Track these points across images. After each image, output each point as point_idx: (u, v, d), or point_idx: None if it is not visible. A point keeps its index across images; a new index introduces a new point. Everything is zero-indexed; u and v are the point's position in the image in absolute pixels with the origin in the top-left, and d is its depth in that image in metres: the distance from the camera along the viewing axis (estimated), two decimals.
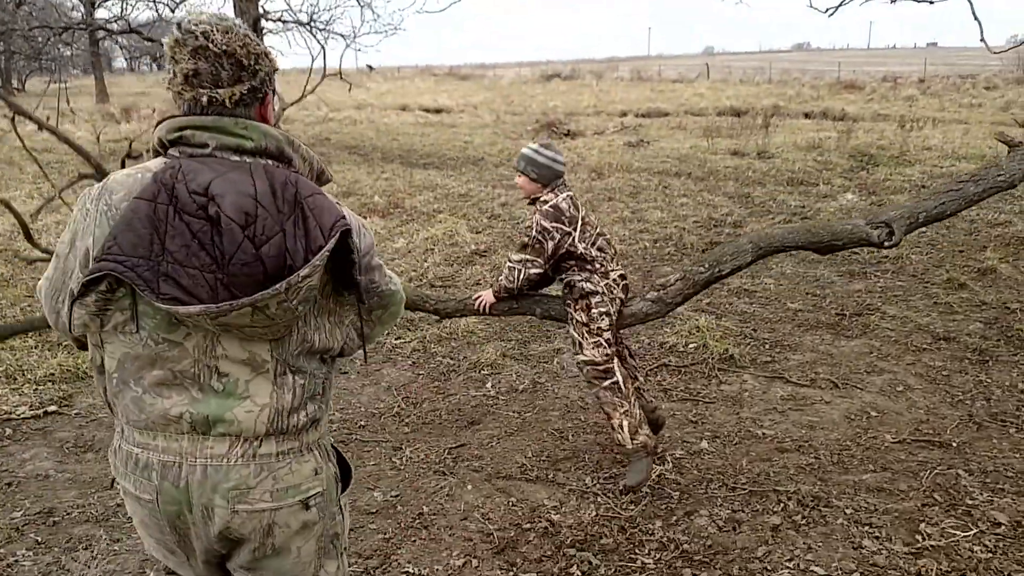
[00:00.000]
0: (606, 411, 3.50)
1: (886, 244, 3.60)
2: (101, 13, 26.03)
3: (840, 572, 2.89)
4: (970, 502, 3.31)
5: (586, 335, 3.46)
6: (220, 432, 1.52)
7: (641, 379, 3.79)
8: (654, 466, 3.61)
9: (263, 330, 1.46)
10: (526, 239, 3.40)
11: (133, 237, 1.40)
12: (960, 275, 6.36)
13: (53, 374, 4.65)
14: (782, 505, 3.34)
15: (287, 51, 49.03)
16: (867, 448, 3.81)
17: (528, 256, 3.39)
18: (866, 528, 3.16)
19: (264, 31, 15.81)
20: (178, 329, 1.47)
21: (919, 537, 3.08)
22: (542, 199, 3.42)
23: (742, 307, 5.86)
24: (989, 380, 4.53)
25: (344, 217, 1.52)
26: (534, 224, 3.38)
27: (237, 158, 1.49)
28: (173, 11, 17.03)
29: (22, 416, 4.16)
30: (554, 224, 3.35)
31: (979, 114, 20.26)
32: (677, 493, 3.47)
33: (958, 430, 3.96)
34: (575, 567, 2.97)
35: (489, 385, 4.66)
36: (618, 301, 3.50)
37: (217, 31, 1.47)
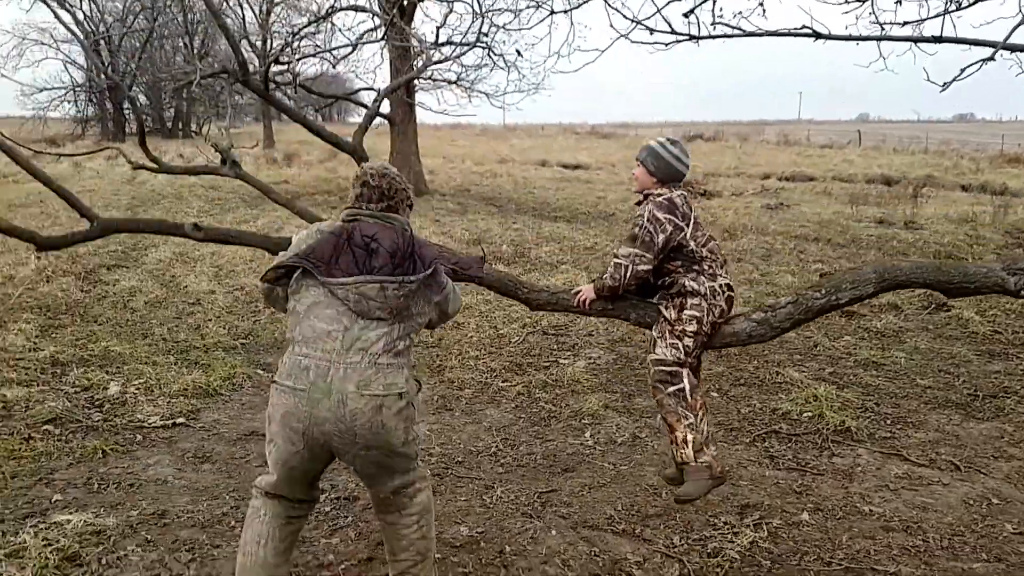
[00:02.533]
0: (669, 422, 3.20)
1: (1023, 294, 3.27)
2: (274, 67, 28.16)
3: None
4: None
5: (667, 333, 3.21)
6: (357, 348, 2.52)
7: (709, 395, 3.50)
8: (746, 532, 3.50)
9: (381, 303, 2.54)
10: (636, 229, 3.18)
11: (320, 251, 2.58)
12: None
13: (187, 389, 5.03)
14: None
15: (436, 107, 51.40)
16: (982, 536, 3.54)
17: (637, 250, 3.16)
18: None
19: (416, 88, 16.70)
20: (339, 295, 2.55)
21: None
22: (656, 192, 3.24)
23: (867, 379, 5.59)
24: None
25: (436, 259, 2.70)
26: (645, 214, 3.17)
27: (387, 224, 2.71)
28: (334, 66, 18.27)
29: (153, 425, 4.53)
30: (667, 216, 3.15)
31: None
32: (768, 562, 3.34)
33: None
34: None
35: (588, 435, 4.66)
36: (718, 310, 3.21)
37: (375, 175, 2.74)
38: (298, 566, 3.22)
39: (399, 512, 2.78)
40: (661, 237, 3.14)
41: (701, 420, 3.19)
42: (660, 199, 3.20)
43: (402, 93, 15.17)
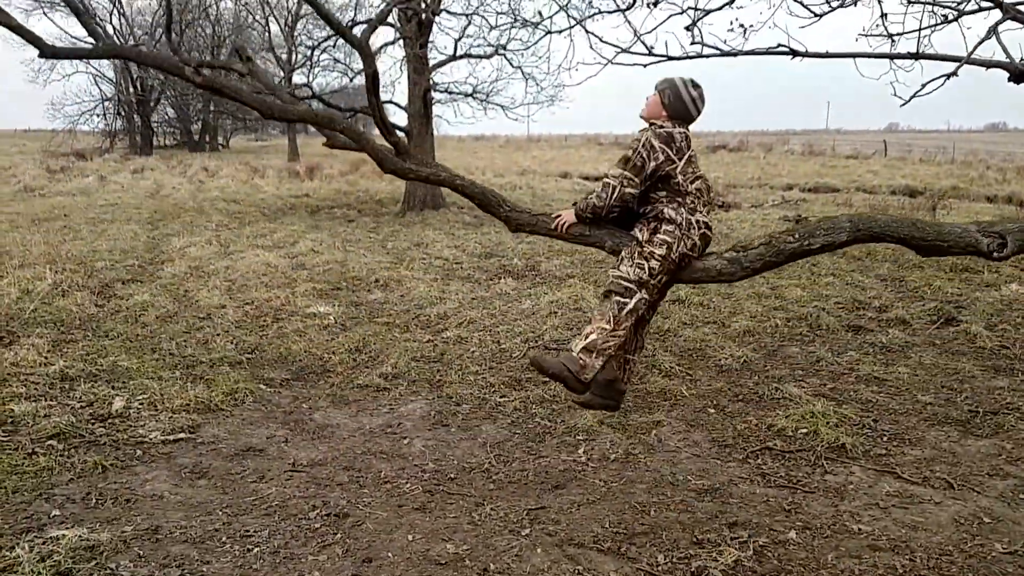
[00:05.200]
0: (594, 318, 3.32)
1: (995, 255, 3.25)
2: (298, 78, 28.62)
3: None
4: None
5: (635, 253, 3.30)
6: None
7: (637, 356, 3.62)
8: (731, 550, 3.51)
9: None
10: (629, 152, 3.29)
11: None
12: None
13: (189, 404, 5.13)
14: None
15: (452, 119, 51.88)
16: (971, 556, 3.51)
17: (627, 172, 3.28)
18: None
19: (433, 100, 16.86)
20: None
21: None
22: (659, 123, 3.32)
23: (868, 395, 5.56)
24: None
25: None
26: (642, 139, 3.27)
27: None
28: (351, 80, 18.50)
29: (153, 440, 4.63)
30: (662, 145, 3.25)
31: None
32: None
33: None
34: None
35: (581, 451, 4.68)
36: (689, 243, 3.33)
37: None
38: None
39: None
40: (651, 164, 3.25)
41: (618, 340, 3.30)
42: (660, 130, 3.30)
43: (419, 105, 15.33)
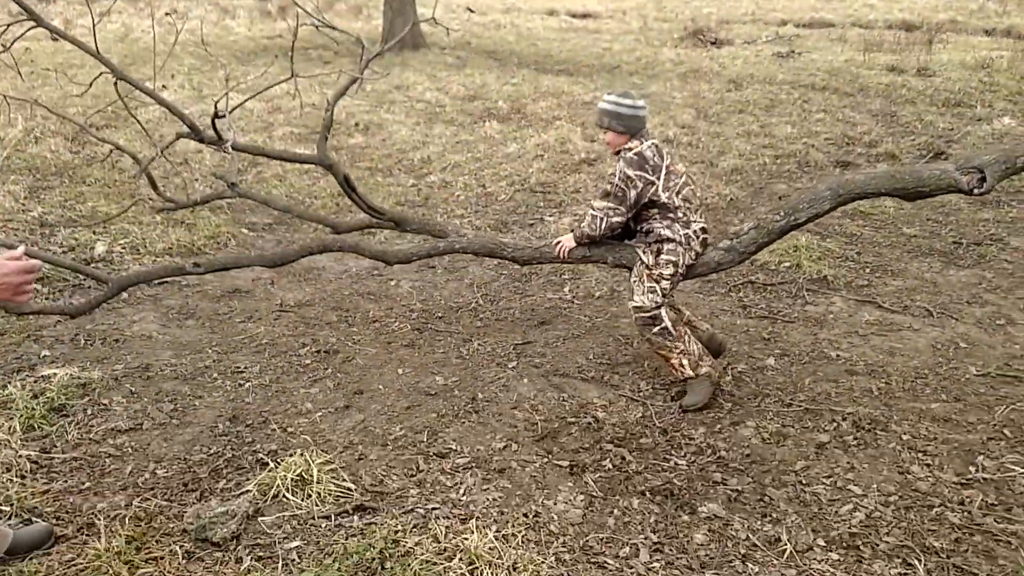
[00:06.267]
0: (662, 355, 3.49)
1: (976, 191, 3.29)
2: None
3: (877, 493, 2.83)
4: None
5: (644, 278, 3.44)
6: None
7: (687, 312, 3.73)
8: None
9: None
10: (608, 187, 3.40)
11: None
12: None
13: (171, 248, 5.10)
14: (835, 425, 3.27)
15: None
16: (945, 378, 3.63)
17: (611, 204, 3.39)
18: (919, 455, 3.05)
19: None
20: None
21: (973, 468, 2.95)
22: (626, 147, 3.41)
23: (852, 229, 5.57)
24: None
25: None
26: (617, 172, 3.37)
27: None
28: None
29: None
30: (638, 172, 3.33)
31: None
32: (729, 404, 3.46)
33: None
34: (608, 460, 3.05)
35: (567, 289, 4.72)
36: (693, 253, 3.47)
37: None
38: (276, 414, 3.36)
39: None
40: (633, 193, 3.35)
41: (689, 342, 3.47)
42: (630, 155, 3.38)
43: None
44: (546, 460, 3.06)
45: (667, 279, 3.44)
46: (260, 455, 3.06)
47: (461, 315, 4.42)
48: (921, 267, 4.90)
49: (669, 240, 3.42)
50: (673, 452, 3.11)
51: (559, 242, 3.70)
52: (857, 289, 4.61)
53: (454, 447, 3.15)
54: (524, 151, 7.65)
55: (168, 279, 4.61)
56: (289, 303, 4.52)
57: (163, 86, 10.81)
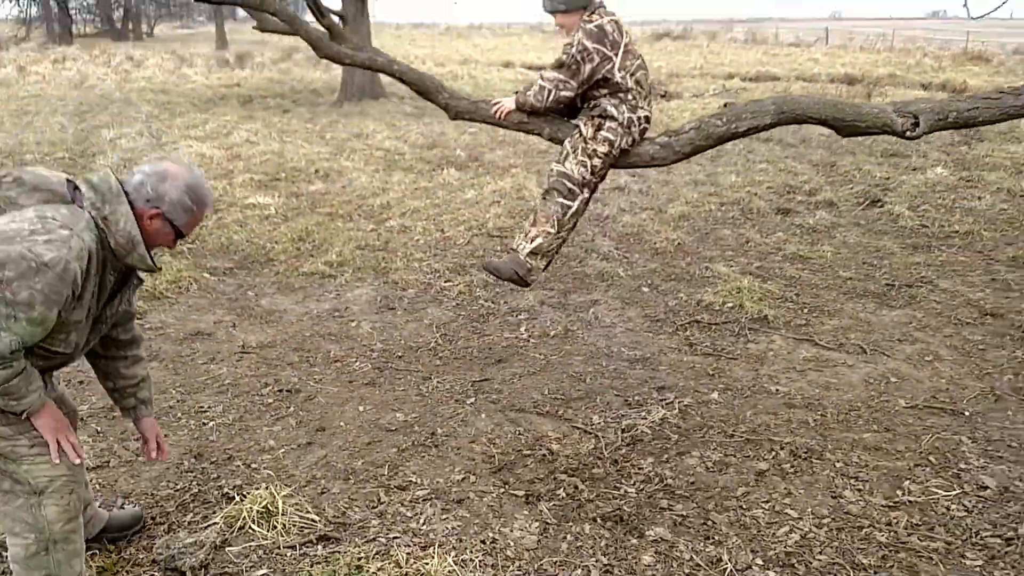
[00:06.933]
0: (536, 218, 3.41)
1: (908, 135, 3.36)
2: None
3: (812, 516, 3.03)
4: (963, 466, 3.35)
5: (579, 149, 3.35)
6: None
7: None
8: (659, 409, 3.80)
9: None
10: (564, 57, 3.24)
11: None
12: None
13: None
14: (774, 454, 3.47)
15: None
16: (876, 411, 3.87)
17: (563, 76, 3.25)
18: (851, 480, 3.26)
19: None
20: None
21: (900, 492, 3.17)
22: (585, 19, 3.26)
23: (792, 272, 5.87)
24: None
25: None
26: (575, 43, 3.21)
27: None
28: None
29: None
30: (596, 46, 3.19)
31: None
32: (675, 436, 3.65)
33: (975, 401, 3.95)
34: (561, 489, 3.21)
35: (523, 329, 4.90)
36: (630, 139, 3.38)
37: None
38: (241, 451, 3.46)
39: None
40: (587, 67, 3.23)
41: (558, 237, 3.45)
42: (590, 27, 3.24)
43: None
44: (503, 490, 3.21)
45: (600, 156, 3.34)
46: (226, 490, 3.16)
47: (420, 354, 4.57)
48: (856, 307, 5.20)
49: (612, 118, 3.31)
50: (623, 481, 3.28)
51: (499, 103, 3.49)
52: (796, 328, 4.88)
53: (414, 480, 3.29)
54: (481, 197, 7.88)
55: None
56: (251, 344, 4.63)
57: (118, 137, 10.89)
